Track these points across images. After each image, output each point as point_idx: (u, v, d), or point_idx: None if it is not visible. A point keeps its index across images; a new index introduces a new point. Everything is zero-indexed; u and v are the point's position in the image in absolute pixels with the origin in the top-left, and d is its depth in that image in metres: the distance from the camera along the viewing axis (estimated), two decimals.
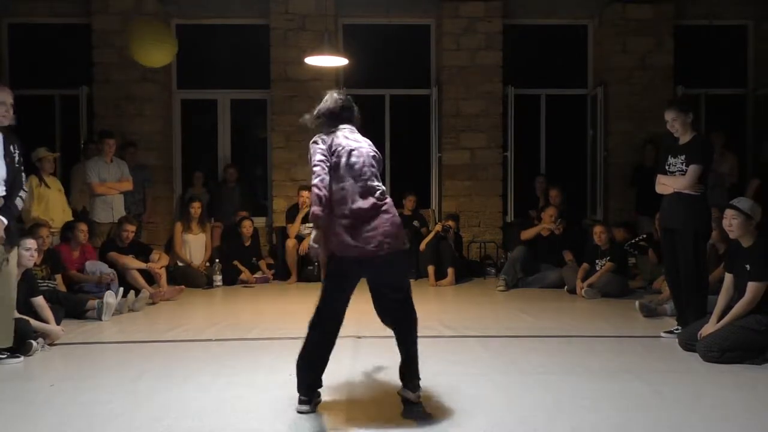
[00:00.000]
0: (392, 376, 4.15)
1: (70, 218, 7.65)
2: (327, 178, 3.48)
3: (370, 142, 3.71)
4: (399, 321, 3.62)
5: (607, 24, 9.70)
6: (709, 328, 4.64)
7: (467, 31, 9.59)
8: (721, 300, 4.76)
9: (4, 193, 4.47)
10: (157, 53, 7.91)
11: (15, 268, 4.66)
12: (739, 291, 4.66)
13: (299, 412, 3.53)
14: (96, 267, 6.98)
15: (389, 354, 4.74)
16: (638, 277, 8.11)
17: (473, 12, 9.55)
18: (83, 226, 7.16)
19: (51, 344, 5.05)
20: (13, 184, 4.52)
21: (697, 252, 5.11)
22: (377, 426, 3.42)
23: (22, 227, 6.10)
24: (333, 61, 8.20)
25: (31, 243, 5.24)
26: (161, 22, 8.93)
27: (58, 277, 6.50)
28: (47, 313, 5.22)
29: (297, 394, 3.60)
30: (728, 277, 4.80)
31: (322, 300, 3.55)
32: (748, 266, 4.59)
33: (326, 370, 3.65)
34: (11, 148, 4.53)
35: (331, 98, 3.73)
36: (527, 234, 8.31)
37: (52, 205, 7.30)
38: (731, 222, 4.69)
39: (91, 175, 7.79)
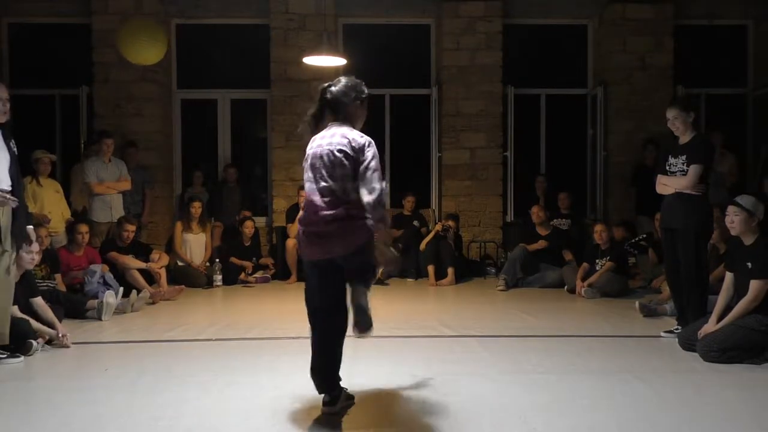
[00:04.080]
0: (392, 376, 4.17)
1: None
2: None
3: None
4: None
5: (607, 24, 9.70)
6: (710, 327, 4.64)
7: (467, 30, 9.59)
8: (721, 299, 4.75)
9: (8, 188, 4.45)
10: (148, 51, 7.87)
11: (13, 267, 4.64)
12: (739, 289, 4.65)
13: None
14: (98, 269, 6.93)
15: (389, 354, 4.76)
16: (638, 276, 8.11)
17: (473, 12, 9.55)
18: (83, 228, 7.07)
19: (60, 343, 5.03)
20: (16, 180, 4.51)
21: (697, 252, 5.11)
22: (377, 426, 3.42)
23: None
24: (333, 61, 8.19)
25: (32, 245, 5.21)
26: (152, 21, 8.86)
27: (58, 276, 6.49)
28: (50, 314, 5.18)
29: (298, 394, 3.63)
30: (728, 277, 4.79)
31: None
32: (749, 264, 4.57)
33: None
34: (10, 144, 4.52)
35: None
36: (533, 247, 8.32)
37: (47, 204, 7.25)
38: (733, 218, 4.67)
39: (89, 174, 7.79)
